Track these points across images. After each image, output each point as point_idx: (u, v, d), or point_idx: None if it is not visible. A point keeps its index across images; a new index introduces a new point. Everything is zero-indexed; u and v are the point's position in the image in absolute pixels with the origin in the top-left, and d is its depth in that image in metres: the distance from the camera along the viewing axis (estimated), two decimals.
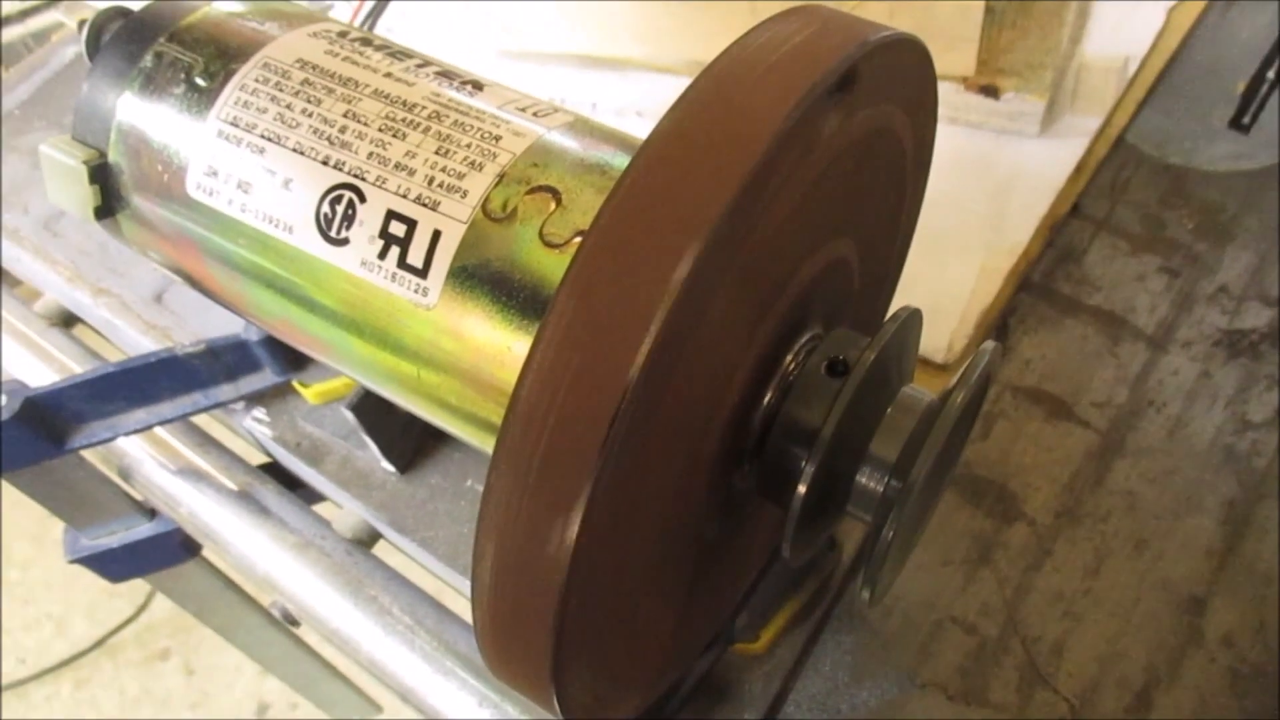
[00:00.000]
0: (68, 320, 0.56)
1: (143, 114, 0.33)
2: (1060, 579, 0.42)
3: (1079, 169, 0.54)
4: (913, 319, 0.31)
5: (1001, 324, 0.50)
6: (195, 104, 0.33)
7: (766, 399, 0.30)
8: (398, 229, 0.30)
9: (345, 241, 0.30)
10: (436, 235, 0.29)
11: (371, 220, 0.30)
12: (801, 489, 0.29)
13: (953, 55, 0.53)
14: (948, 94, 0.54)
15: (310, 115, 0.31)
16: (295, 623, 0.49)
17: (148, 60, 0.33)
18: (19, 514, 1.31)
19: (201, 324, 0.52)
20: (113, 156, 0.34)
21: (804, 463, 0.29)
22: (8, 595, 1.30)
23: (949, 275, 0.49)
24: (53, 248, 0.56)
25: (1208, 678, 0.40)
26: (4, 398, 0.43)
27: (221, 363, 0.46)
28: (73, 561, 0.53)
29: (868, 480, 0.30)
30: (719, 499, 0.31)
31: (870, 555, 0.29)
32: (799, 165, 0.26)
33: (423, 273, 0.29)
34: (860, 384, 0.29)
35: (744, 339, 0.28)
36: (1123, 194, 0.54)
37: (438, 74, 0.33)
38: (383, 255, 0.30)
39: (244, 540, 0.47)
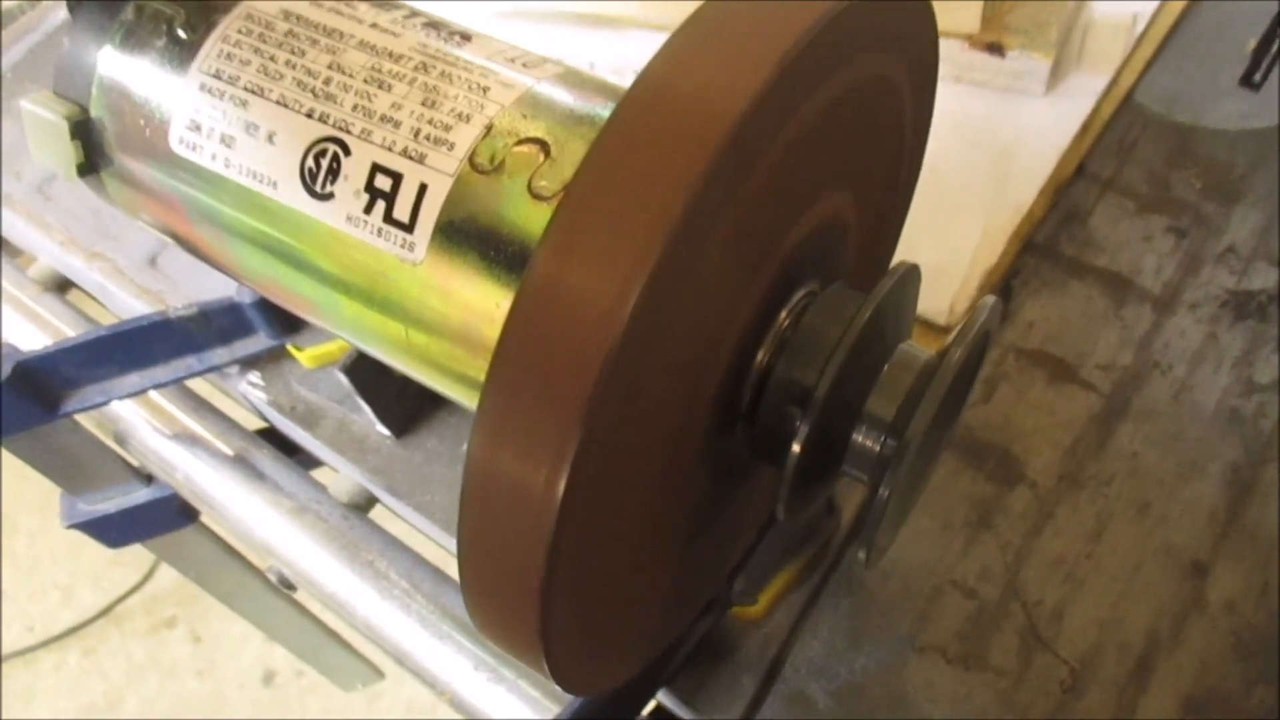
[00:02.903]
0: (61, 285, 0.56)
1: (124, 68, 0.33)
2: (1062, 543, 0.42)
3: (1085, 128, 0.53)
4: (910, 274, 0.31)
5: (1005, 286, 0.49)
6: (177, 57, 0.32)
7: (760, 355, 0.29)
8: (383, 183, 0.29)
9: (330, 196, 0.30)
10: (423, 189, 0.29)
11: (356, 174, 0.29)
12: (796, 449, 0.29)
13: (957, 12, 0.52)
14: (951, 52, 0.53)
15: (294, 67, 0.31)
16: (292, 587, 0.49)
17: (128, 13, 0.33)
18: (24, 484, 1.32)
19: (195, 288, 0.52)
20: (95, 112, 0.33)
21: (798, 422, 0.29)
22: (14, 565, 1.31)
23: (951, 236, 0.49)
24: (46, 212, 0.56)
25: (1209, 642, 0.39)
26: None
27: (215, 326, 0.46)
28: (70, 527, 0.53)
29: (864, 439, 0.30)
30: (713, 459, 0.30)
31: (867, 515, 0.29)
32: (794, 110, 0.25)
33: (409, 228, 0.29)
34: (855, 341, 0.28)
35: (737, 292, 0.27)
36: (1129, 154, 0.53)
37: (425, 25, 0.32)
38: (368, 210, 0.29)
39: (240, 505, 0.47)
